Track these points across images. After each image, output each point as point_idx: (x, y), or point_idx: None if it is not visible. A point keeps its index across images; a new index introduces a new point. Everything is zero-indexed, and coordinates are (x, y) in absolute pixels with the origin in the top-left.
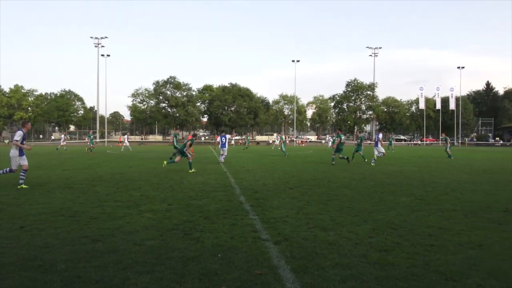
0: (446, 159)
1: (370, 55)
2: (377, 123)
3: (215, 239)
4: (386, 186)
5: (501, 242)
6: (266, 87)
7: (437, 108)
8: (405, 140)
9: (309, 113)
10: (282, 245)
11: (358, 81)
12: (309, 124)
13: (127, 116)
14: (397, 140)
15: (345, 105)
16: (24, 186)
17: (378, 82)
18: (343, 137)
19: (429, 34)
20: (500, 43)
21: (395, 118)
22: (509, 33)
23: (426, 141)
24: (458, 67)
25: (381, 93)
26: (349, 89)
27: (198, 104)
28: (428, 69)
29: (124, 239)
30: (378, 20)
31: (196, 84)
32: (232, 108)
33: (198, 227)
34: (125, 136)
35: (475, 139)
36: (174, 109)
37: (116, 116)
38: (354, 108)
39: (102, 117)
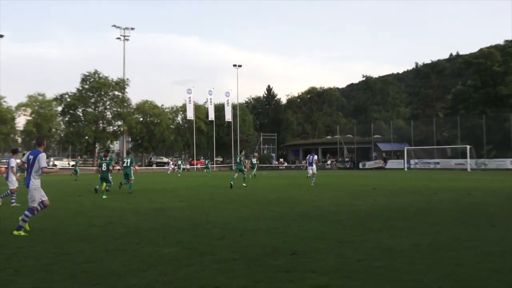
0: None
1: (118, 38)
2: (130, 139)
3: None
4: (144, 232)
5: None
6: None
7: (209, 119)
8: (168, 164)
9: (21, 121)
10: None
11: (101, 75)
12: (20, 139)
13: None
14: (158, 164)
15: (80, 110)
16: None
17: (130, 79)
18: (240, 157)
19: (199, 21)
20: (278, 40)
21: (156, 132)
22: (287, 30)
23: (196, 164)
24: (235, 65)
25: (136, 96)
26: (87, 87)
27: None
28: (199, 66)
29: None
30: None
31: None
32: None
33: None
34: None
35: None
36: None
37: None
38: (95, 116)
39: None
